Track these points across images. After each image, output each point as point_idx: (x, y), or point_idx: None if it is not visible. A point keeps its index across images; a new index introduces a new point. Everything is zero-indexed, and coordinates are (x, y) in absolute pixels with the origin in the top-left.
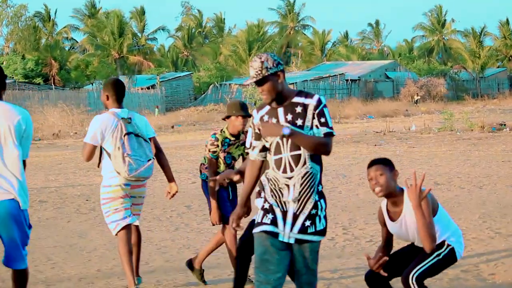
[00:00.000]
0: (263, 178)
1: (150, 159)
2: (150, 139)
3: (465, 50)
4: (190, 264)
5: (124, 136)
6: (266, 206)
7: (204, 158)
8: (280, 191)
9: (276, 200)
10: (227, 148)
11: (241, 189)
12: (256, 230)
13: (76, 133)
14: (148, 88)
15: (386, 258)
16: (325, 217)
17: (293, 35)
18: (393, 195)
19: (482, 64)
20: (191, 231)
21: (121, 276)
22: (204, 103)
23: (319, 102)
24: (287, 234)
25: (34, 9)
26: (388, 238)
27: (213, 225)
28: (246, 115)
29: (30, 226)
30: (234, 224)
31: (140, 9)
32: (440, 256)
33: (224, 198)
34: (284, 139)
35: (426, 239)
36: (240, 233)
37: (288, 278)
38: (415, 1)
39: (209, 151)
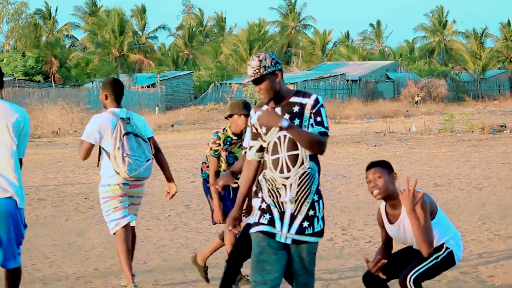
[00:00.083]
0: (260, 178)
1: (149, 159)
2: (148, 139)
3: (466, 51)
4: (195, 260)
5: (123, 136)
6: (264, 206)
7: (206, 157)
8: (278, 191)
9: (273, 201)
10: (229, 147)
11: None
12: (253, 230)
13: (75, 131)
14: (148, 86)
15: (384, 261)
16: (322, 218)
17: (294, 34)
18: (392, 197)
19: (483, 65)
20: (189, 231)
21: (119, 275)
22: (204, 102)
23: (316, 101)
24: (285, 234)
25: (35, 7)
26: (387, 240)
27: (214, 223)
28: (249, 114)
29: (25, 226)
30: (231, 226)
31: (141, 7)
32: (439, 259)
33: (225, 197)
34: (281, 139)
35: (422, 244)
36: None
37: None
38: (416, 1)
39: (211, 149)
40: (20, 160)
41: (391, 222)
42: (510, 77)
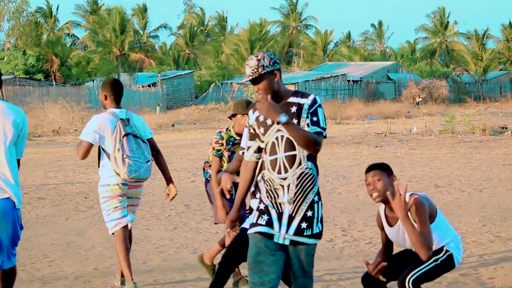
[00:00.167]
0: (259, 178)
1: (149, 160)
2: (148, 140)
3: (468, 52)
4: (202, 260)
5: (123, 137)
6: (262, 207)
7: (209, 157)
8: (276, 192)
9: (271, 201)
10: (231, 147)
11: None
12: (250, 231)
13: (76, 130)
14: (149, 86)
15: (384, 263)
16: (321, 219)
17: (295, 34)
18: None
19: (485, 66)
20: (189, 231)
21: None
22: (205, 101)
23: (314, 101)
24: (283, 235)
25: (36, 5)
26: (387, 242)
27: (216, 223)
28: None
29: (21, 227)
30: (229, 228)
31: (142, 7)
32: (438, 262)
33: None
34: (279, 139)
35: (420, 249)
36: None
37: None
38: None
39: (214, 149)
40: (18, 161)
41: (390, 225)
42: (511, 78)
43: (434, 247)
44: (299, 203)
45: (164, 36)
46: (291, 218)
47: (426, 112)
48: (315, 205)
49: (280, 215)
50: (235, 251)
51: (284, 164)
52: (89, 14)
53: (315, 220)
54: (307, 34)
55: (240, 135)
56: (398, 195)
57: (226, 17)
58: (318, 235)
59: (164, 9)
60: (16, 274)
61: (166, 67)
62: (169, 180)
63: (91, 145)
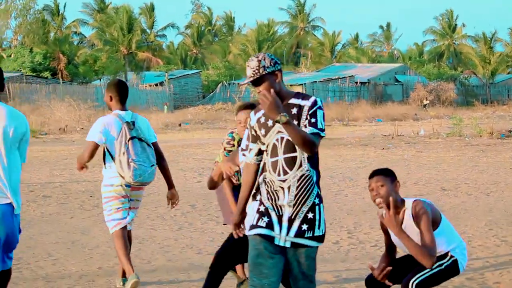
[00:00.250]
0: (260, 180)
1: (153, 165)
2: (152, 144)
3: (476, 55)
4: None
5: (128, 141)
6: (262, 209)
7: (220, 157)
8: (276, 194)
9: (271, 204)
10: None
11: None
12: (250, 232)
13: (82, 128)
14: (156, 85)
15: (390, 268)
16: (323, 222)
17: (303, 35)
18: (394, 206)
19: (493, 70)
20: (194, 231)
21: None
22: (212, 101)
23: (314, 103)
24: (283, 238)
25: (43, 3)
26: (390, 245)
27: (225, 224)
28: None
29: (20, 230)
30: (234, 232)
31: (149, 5)
32: (442, 267)
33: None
34: (279, 141)
35: (422, 259)
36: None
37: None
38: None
39: (225, 149)
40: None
41: (393, 232)
42: None
43: (439, 253)
44: (299, 205)
45: (172, 35)
46: (291, 220)
47: (433, 115)
48: (316, 207)
49: (280, 217)
50: (224, 255)
51: (283, 166)
52: (96, 12)
53: (316, 223)
54: (314, 35)
55: None
56: (387, 213)
57: (234, 17)
58: (320, 238)
59: (172, 8)
60: (11, 276)
61: (174, 67)
62: (171, 186)
63: (97, 146)
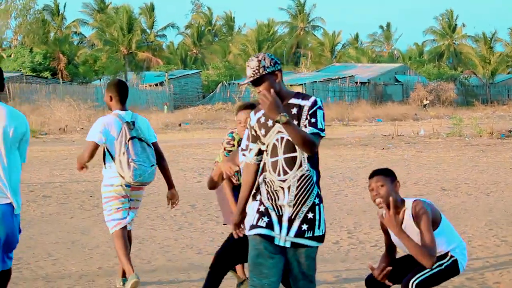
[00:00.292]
0: (260, 180)
1: (153, 165)
2: (152, 144)
3: (476, 55)
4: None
5: (128, 141)
6: (262, 209)
7: (220, 157)
8: (276, 194)
9: (271, 204)
10: None
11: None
12: (250, 232)
13: (82, 128)
14: (156, 85)
15: (390, 268)
16: (324, 223)
17: (303, 35)
18: (394, 206)
19: (493, 70)
20: (194, 231)
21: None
22: (212, 101)
23: (314, 103)
24: (283, 237)
25: (43, 2)
26: (390, 245)
27: (225, 224)
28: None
29: (20, 230)
30: (234, 232)
31: (149, 5)
32: (442, 267)
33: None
34: (279, 141)
35: (422, 259)
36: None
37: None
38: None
39: (225, 149)
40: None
41: (393, 232)
42: None
43: (439, 253)
44: (299, 205)
45: (172, 35)
46: (291, 220)
47: (433, 115)
48: (316, 207)
49: (280, 217)
50: (224, 255)
51: (283, 167)
52: (96, 12)
53: (316, 223)
54: (314, 35)
55: None
56: (387, 213)
57: (234, 17)
58: (320, 238)
59: (172, 8)
60: (11, 276)
61: (174, 67)
62: (171, 186)
63: (97, 146)
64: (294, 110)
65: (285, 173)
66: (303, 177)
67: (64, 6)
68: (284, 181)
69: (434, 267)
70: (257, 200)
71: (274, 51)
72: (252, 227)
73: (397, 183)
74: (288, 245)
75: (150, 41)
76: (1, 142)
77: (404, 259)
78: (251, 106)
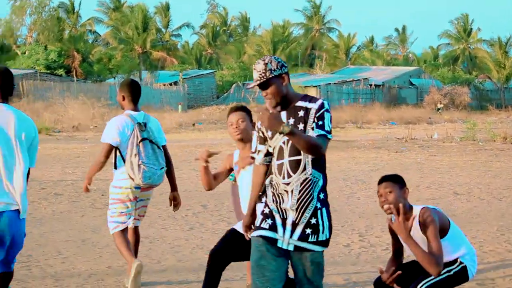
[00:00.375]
0: (267, 182)
1: (163, 167)
2: (162, 147)
3: (491, 59)
4: None
5: (140, 142)
6: (266, 211)
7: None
8: (281, 197)
9: (276, 206)
10: None
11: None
12: (253, 234)
13: (96, 126)
14: (170, 84)
15: (399, 272)
16: (329, 228)
17: (318, 37)
18: (404, 212)
19: (507, 74)
20: (205, 231)
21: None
22: (226, 102)
23: (321, 106)
24: (287, 240)
25: (59, 0)
26: (397, 248)
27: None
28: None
29: (24, 234)
30: (245, 234)
31: (165, 5)
32: (451, 272)
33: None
34: (286, 143)
35: (428, 266)
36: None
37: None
38: (441, 8)
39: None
40: (29, 170)
41: (401, 238)
42: None
43: (448, 259)
44: (302, 210)
45: (187, 35)
46: (294, 225)
47: (447, 119)
48: (318, 212)
49: (284, 220)
50: (218, 254)
51: (287, 169)
52: (111, 11)
53: (320, 227)
54: (330, 37)
55: None
56: (396, 219)
57: (249, 18)
58: (325, 243)
59: (187, 8)
60: (11, 279)
61: (188, 66)
62: (174, 188)
63: (112, 147)
64: (301, 113)
65: (289, 176)
66: (306, 181)
67: (80, 4)
68: (288, 184)
69: (442, 272)
70: (262, 202)
71: (289, 52)
72: (256, 228)
73: (405, 190)
74: (291, 248)
75: (165, 41)
76: (11, 147)
77: (413, 264)
78: (242, 108)
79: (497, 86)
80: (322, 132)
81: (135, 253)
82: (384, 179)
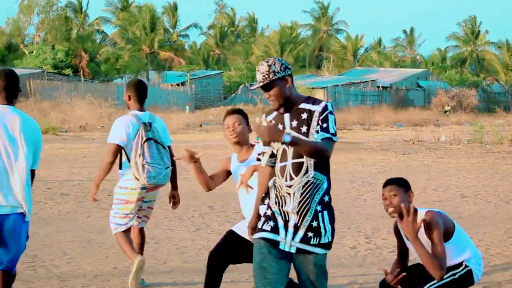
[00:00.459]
0: (270, 184)
1: (168, 167)
2: (168, 147)
3: (498, 62)
4: None
5: (144, 142)
6: (268, 213)
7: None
8: (283, 199)
9: (278, 208)
10: None
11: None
12: (256, 236)
13: (103, 126)
14: (178, 85)
15: (404, 273)
16: (332, 232)
17: (326, 38)
18: (412, 212)
19: None
20: (212, 232)
21: None
22: (233, 103)
23: (325, 108)
24: (289, 242)
25: None
26: (402, 250)
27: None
28: None
29: (27, 238)
30: (250, 236)
31: (172, 5)
32: (456, 276)
33: None
34: (289, 146)
35: (431, 269)
36: None
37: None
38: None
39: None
40: (33, 172)
41: (408, 238)
42: None
43: (453, 262)
44: (303, 213)
45: (194, 35)
46: (296, 227)
47: (455, 121)
48: (319, 214)
49: (286, 222)
50: (216, 255)
51: (290, 172)
52: (119, 10)
53: (322, 230)
54: (337, 39)
55: None
56: (405, 217)
57: (257, 19)
58: (327, 246)
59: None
60: (14, 281)
61: (196, 67)
62: (175, 188)
63: (119, 148)
64: (304, 115)
65: (291, 178)
66: (308, 184)
67: (87, 4)
68: (290, 186)
69: (447, 276)
70: (265, 204)
71: (296, 53)
72: (257, 230)
73: (410, 193)
74: (293, 250)
75: (172, 41)
76: (16, 149)
77: (418, 267)
78: (239, 112)
79: (505, 89)
80: (327, 135)
81: (141, 254)
82: (389, 183)
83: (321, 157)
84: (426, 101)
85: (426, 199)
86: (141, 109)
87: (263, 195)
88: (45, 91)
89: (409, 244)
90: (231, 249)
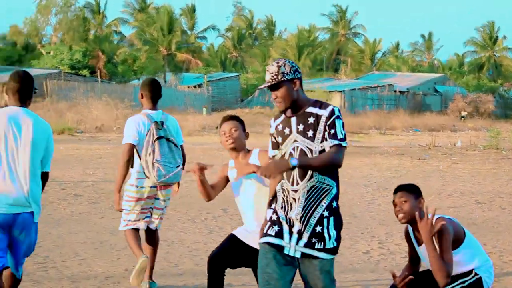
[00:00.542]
0: (278, 187)
1: (179, 165)
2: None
3: None
4: None
5: (155, 141)
6: (274, 217)
7: None
8: (289, 204)
9: (284, 213)
10: None
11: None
12: (260, 241)
13: (119, 127)
14: (194, 86)
15: (411, 277)
16: (336, 238)
17: (344, 42)
18: (417, 222)
19: None
20: (225, 235)
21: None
22: (250, 105)
23: (332, 113)
24: (293, 247)
25: (84, 0)
26: (413, 256)
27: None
28: None
29: (35, 240)
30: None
31: (190, 7)
32: (465, 284)
33: None
34: (295, 150)
35: (437, 273)
36: None
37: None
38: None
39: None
40: (46, 174)
41: (419, 244)
42: None
43: (463, 270)
44: (307, 217)
45: (212, 37)
46: (300, 233)
47: (471, 127)
48: (325, 220)
49: (291, 227)
50: (215, 259)
51: (296, 176)
52: (137, 12)
53: (326, 236)
54: (355, 42)
55: None
56: (425, 217)
57: (275, 21)
58: (332, 251)
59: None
60: (20, 283)
61: (213, 69)
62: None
63: (132, 146)
64: (311, 119)
65: (297, 183)
66: (312, 189)
67: (105, 4)
68: (296, 191)
69: (456, 283)
70: (271, 208)
71: (314, 57)
72: (263, 235)
73: (421, 200)
74: (298, 255)
75: (190, 43)
76: (28, 151)
77: (427, 273)
78: (235, 118)
79: None
80: (336, 142)
81: (154, 257)
82: (399, 189)
83: (333, 168)
84: (443, 106)
85: (440, 205)
86: (154, 108)
87: (271, 198)
88: (62, 92)
89: (419, 250)
90: (230, 253)
